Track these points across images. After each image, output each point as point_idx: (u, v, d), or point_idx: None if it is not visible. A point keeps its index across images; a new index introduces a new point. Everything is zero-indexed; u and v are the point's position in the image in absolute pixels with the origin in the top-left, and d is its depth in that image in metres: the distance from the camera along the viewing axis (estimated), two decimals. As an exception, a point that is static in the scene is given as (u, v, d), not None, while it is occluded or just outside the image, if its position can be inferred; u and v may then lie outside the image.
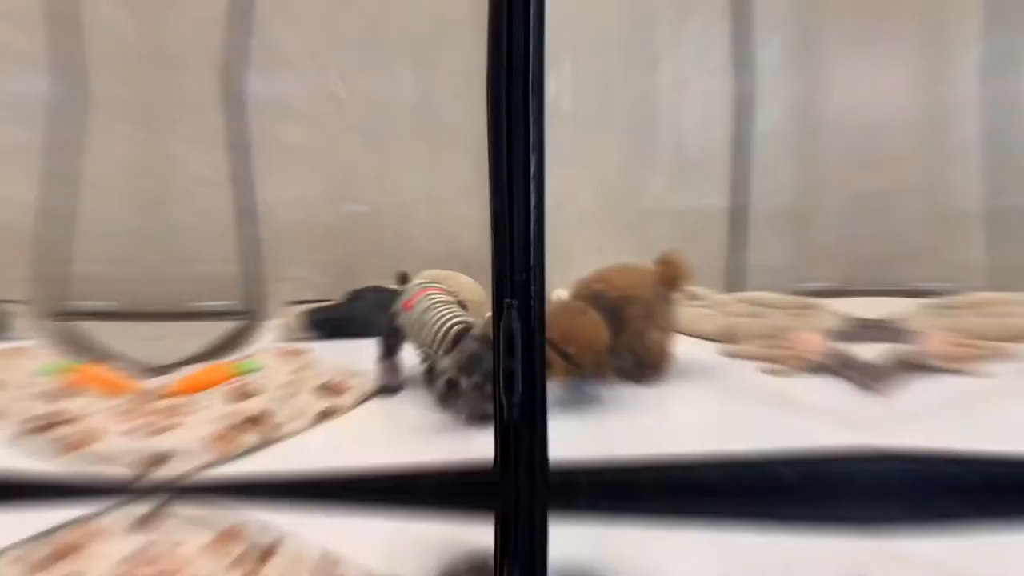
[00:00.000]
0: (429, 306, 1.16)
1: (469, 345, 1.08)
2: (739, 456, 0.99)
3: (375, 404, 1.26)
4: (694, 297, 1.88)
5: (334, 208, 1.84)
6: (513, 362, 0.90)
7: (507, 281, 0.90)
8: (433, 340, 1.12)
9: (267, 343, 1.59)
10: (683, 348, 1.56)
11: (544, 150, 0.87)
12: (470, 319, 1.15)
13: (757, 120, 1.84)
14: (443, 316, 1.13)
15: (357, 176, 1.82)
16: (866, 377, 1.26)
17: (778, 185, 1.94)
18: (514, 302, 0.89)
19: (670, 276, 1.37)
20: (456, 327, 1.11)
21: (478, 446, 0.94)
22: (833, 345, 1.38)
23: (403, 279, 1.28)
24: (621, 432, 1.14)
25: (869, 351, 1.37)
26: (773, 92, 1.83)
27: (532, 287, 0.90)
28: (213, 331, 1.66)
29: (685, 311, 1.69)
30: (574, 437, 1.11)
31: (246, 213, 1.79)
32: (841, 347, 1.38)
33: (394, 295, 1.25)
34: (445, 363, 1.09)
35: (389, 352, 1.24)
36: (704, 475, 0.96)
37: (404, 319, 1.19)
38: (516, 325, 0.89)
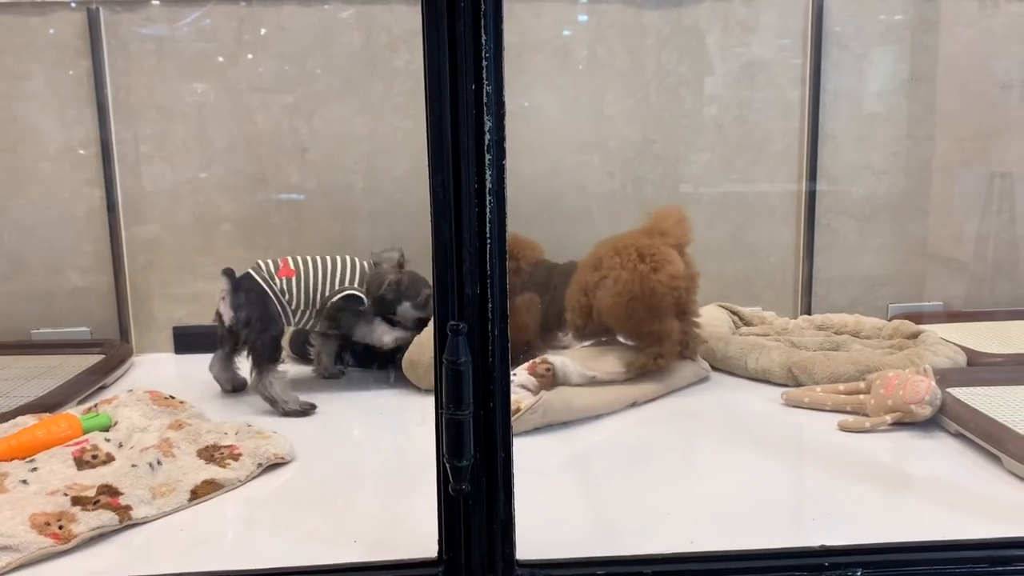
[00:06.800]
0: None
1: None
2: (794, 552, 0.95)
3: (278, 476, 1.24)
4: (748, 322, 1.87)
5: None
6: (462, 412, 0.85)
7: (452, 296, 0.85)
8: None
9: (136, 385, 1.53)
10: (731, 393, 1.57)
11: (504, 101, 0.82)
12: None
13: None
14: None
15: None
16: (990, 438, 1.23)
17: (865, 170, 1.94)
18: (463, 325, 0.85)
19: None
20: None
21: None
22: (945, 391, 1.36)
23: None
24: (630, 513, 1.12)
25: (996, 399, 1.36)
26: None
27: (490, 304, 0.85)
28: (60, 369, 1.65)
29: (734, 341, 1.69)
30: (562, 518, 1.09)
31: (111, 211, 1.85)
32: (957, 393, 1.37)
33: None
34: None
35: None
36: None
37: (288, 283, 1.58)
38: (465, 359, 0.84)
